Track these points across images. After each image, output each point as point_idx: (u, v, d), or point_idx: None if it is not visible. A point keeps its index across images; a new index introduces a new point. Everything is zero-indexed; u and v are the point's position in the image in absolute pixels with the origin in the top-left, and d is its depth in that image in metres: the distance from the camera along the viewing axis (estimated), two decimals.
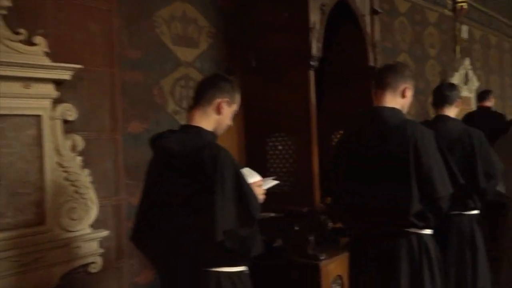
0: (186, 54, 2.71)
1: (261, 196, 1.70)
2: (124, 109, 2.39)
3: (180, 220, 1.50)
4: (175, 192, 1.51)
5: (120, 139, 2.35)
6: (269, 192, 2.79)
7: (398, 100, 1.87)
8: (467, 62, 5.89)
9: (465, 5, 5.67)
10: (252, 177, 1.81)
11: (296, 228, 2.64)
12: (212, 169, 1.44)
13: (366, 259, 1.90)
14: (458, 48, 5.80)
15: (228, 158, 1.48)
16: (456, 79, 5.61)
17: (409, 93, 1.90)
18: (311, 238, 2.60)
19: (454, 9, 5.70)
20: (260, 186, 1.73)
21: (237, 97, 1.70)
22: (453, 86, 2.59)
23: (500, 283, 3.00)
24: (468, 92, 5.99)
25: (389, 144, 1.74)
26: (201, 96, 1.64)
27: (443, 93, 2.55)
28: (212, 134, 1.62)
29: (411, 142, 1.68)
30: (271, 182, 1.82)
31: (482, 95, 4.79)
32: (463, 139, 2.40)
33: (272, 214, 2.82)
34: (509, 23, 7.71)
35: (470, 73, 5.98)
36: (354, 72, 3.13)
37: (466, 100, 5.93)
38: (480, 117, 4.59)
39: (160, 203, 1.55)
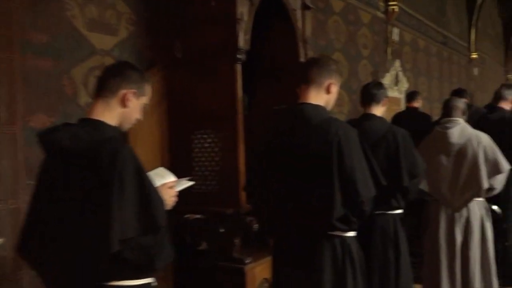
0: (102, 41, 2.47)
1: (172, 199, 1.54)
2: (26, 100, 2.12)
3: (75, 223, 1.30)
4: (71, 188, 1.31)
5: (20, 134, 2.08)
6: (194, 192, 2.67)
7: (323, 96, 1.78)
8: (397, 63, 6.08)
9: (396, 8, 5.84)
10: (166, 177, 1.65)
11: (221, 230, 2.52)
12: (110, 169, 1.26)
13: (289, 263, 1.81)
14: (389, 50, 5.98)
15: (130, 156, 1.30)
16: (387, 79, 5.77)
17: (334, 89, 1.82)
18: (237, 240, 2.48)
19: (386, 12, 5.86)
20: (172, 187, 1.57)
21: (147, 89, 1.52)
22: (380, 85, 2.59)
23: (423, 279, 3.07)
24: (398, 93, 6.20)
25: (312, 143, 1.65)
26: (104, 85, 1.45)
27: (370, 92, 2.54)
28: (115, 129, 1.43)
29: (335, 142, 1.60)
30: (185, 183, 1.67)
31: (410, 96, 4.94)
32: (388, 138, 2.40)
33: (198, 216, 2.68)
34: (437, 29, 8.12)
35: (400, 74, 6.18)
36: (286, 68, 3.05)
37: (396, 100, 6.13)
38: (408, 117, 4.73)
39: (54, 204, 1.34)
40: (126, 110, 1.45)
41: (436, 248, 2.88)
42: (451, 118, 2.82)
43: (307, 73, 1.78)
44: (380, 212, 2.43)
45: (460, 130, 2.76)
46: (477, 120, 3.81)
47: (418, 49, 7.25)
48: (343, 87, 4.93)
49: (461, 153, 2.73)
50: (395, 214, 2.46)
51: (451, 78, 8.91)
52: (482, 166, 2.67)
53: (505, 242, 3.35)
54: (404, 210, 2.54)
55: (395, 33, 6.02)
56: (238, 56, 2.43)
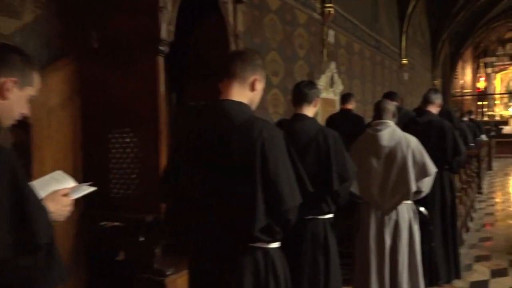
0: (1, 24, 2.14)
1: (66, 208, 1.31)
2: None
3: None
4: None
5: None
6: (111, 197, 2.42)
7: (247, 93, 1.62)
8: (333, 65, 6.13)
9: (332, 10, 5.89)
10: (63, 183, 1.41)
11: (141, 238, 2.29)
12: None
13: (206, 279, 1.62)
14: (325, 52, 6.01)
15: (3, 159, 1.06)
16: (322, 81, 5.79)
17: (259, 86, 1.66)
18: (157, 250, 2.27)
19: (322, 13, 5.88)
20: (67, 195, 1.33)
21: (35, 78, 1.27)
22: (312, 85, 2.50)
23: (353, 281, 3.04)
24: (333, 94, 6.26)
25: (234, 144, 1.48)
26: None
27: (302, 91, 2.44)
28: None
29: (258, 144, 1.44)
30: (85, 189, 1.44)
31: (344, 98, 4.97)
32: (318, 140, 2.31)
33: (115, 223, 2.44)
34: (370, 33, 8.35)
35: (336, 76, 6.24)
36: (217, 63, 2.87)
37: (331, 102, 6.19)
38: (342, 119, 4.76)
39: None
40: (5, 102, 1.20)
41: (366, 250, 2.85)
42: (382, 121, 2.80)
43: (230, 67, 1.61)
44: (311, 217, 2.34)
45: (390, 132, 2.74)
46: (406, 123, 3.88)
47: (353, 52, 7.40)
48: (279, 87, 4.86)
49: (391, 156, 2.72)
50: (326, 219, 2.38)
51: (383, 81, 9.23)
52: (411, 169, 2.67)
53: (431, 243, 3.42)
54: (335, 213, 2.48)
55: (331, 35, 6.07)
56: (161, 48, 2.22)
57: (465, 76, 20.98)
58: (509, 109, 19.79)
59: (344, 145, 2.36)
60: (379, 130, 2.76)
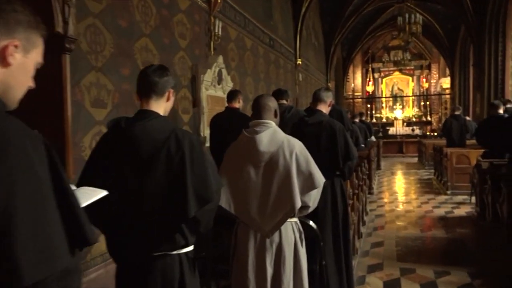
0: None
1: None
2: None
3: None
4: None
5: None
6: None
7: None
8: (220, 59, 5.55)
9: None
10: None
11: None
12: None
13: None
14: (212, 44, 5.40)
15: None
16: (208, 76, 5.17)
17: (20, 59, 0.92)
18: None
19: (208, 1, 5.27)
20: None
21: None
22: (164, 70, 1.83)
23: None
24: (222, 92, 5.68)
25: None
26: None
27: (150, 79, 1.78)
28: None
29: None
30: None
31: (230, 96, 4.41)
32: (170, 146, 1.66)
33: None
34: (264, 30, 7.98)
35: (224, 72, 5.67)
36: None
37: (220, 100, 5.61)
38: (227, 119, 4.22)
39: None
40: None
41: (244, 282, 2.28)
42: (261, 121, 2.25)
43: None
44: (160, 253, 1.69)
45: (270, 135, 2.20)
46: (296, 123, 3.47)
47: (245, 48, 6.92)
48: None
49: (272, 164, 2.18)
50: (182, 254, 1.73)
51: (278, 81, 8.95)
52: (295, 180, 2.15)
53: (322, 261, 2.98)
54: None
55: (218, 26, 5.47)
56: None
57: (356, 80, 22.14)
58: (394, 111, 21.32)
59: (203, 151, 1.73)
60: (258, 132, 2.20)
